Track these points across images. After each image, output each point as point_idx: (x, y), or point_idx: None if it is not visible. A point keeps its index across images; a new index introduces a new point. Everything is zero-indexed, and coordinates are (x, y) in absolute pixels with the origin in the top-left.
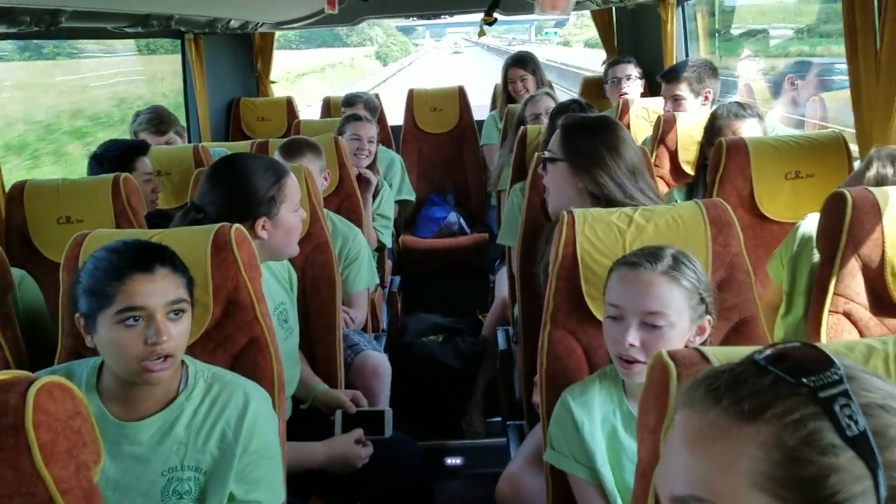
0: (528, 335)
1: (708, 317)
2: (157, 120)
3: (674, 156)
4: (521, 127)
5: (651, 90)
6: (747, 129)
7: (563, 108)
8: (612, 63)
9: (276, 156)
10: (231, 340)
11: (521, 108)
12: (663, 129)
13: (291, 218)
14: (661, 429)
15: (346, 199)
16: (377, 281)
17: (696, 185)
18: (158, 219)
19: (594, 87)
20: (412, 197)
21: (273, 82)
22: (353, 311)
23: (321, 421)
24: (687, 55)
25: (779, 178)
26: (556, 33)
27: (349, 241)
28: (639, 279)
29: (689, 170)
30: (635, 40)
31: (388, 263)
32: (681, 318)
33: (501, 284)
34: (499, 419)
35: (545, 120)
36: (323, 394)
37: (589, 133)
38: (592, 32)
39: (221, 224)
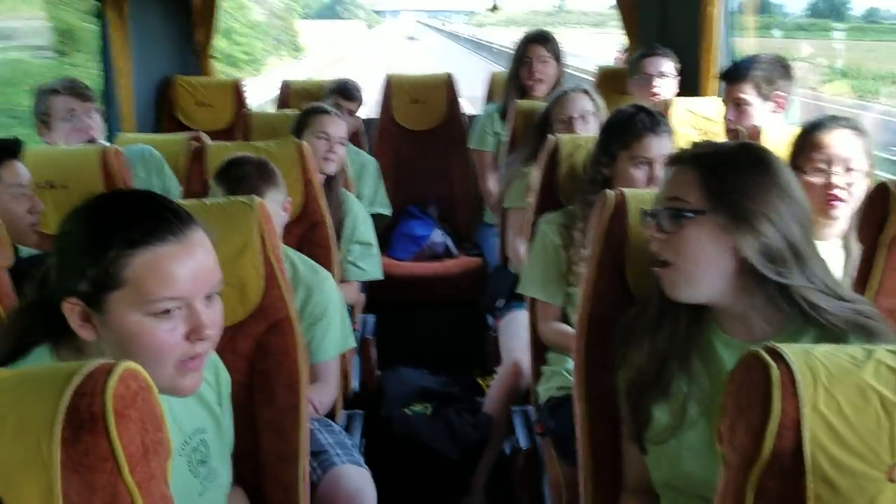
0: (596, 455)
1: None
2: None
3: None
4: (549, 136)
5: (683, 89)
6: (841, 141)
7: (625, 118)
8: (643, 54)
9: (213, 184)
10: None
11: (547, 106)
12: None
13: (144, 324)
14: None
15: (312, 230)
16: (353, 344)
17: None
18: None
19: (611, 80)
20: (388, 211)
21: (214, 57)
22: (318, 390)
23: None
24: (727, 48)
25: None
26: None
27: (314, 291)
28: None
29: None
30: (662, 24)
31: (361, 297)
32: None
33: (511, 340)
34: None
35: (580, 128)
36: None
37: (750, 169)
38: (493, 17)
39: None
